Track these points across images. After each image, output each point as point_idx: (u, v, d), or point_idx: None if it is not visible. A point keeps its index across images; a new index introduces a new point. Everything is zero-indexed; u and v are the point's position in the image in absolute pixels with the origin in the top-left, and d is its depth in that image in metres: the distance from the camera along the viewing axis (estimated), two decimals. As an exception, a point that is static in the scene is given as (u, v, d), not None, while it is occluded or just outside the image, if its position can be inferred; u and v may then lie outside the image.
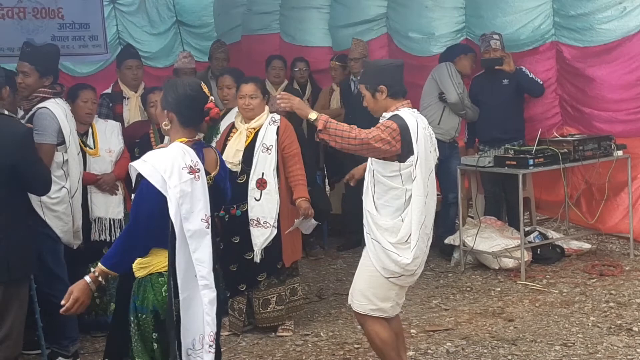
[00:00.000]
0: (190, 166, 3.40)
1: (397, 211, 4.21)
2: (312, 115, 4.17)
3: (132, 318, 3.55)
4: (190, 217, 3.37)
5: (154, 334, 3.48)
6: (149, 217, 3.41)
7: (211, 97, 3.59)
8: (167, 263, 3.40)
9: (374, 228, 4.25)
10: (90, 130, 5.71)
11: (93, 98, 5.73)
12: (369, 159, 4.32)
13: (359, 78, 7.64)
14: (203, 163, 3.48)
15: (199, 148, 3.52)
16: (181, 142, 3.49)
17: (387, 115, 4.27)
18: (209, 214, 3.44)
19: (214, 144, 3.92)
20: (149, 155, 3.49)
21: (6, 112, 4.47)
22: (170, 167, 3.36)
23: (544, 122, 7.17)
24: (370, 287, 4.31)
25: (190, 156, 3.43)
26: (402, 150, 4.15)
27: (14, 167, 4.21)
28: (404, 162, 4.16)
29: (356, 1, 8.44)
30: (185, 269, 3.36)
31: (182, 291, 3.35)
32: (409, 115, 4.22)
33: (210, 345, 3.39)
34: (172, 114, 3.53)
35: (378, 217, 4.24)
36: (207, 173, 3.51)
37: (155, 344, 3.49)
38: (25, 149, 4.30)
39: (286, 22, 9.23)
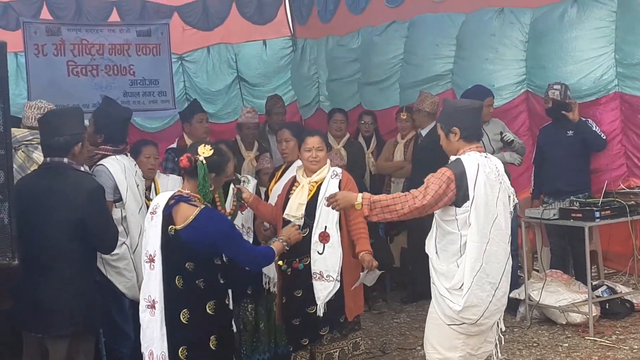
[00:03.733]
0: (154, 208, 4.16)
1: (453, 256, 4.21)
2: (357, 202, 4.30)
3: None
4: (144, 248, 4.18)
5: None
6: None
7: (193, 156, 4.11)
8: None
9: (433, 272, 4.28)
10: (152, 185, 5.83)
11: (155, 153, 5.88)
12: None
13: (422, 132, 7.66)
14: (168, 212, 4.08)
15: (176, 200, 4.11)
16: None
17: (452, 158, 4.30)
18: (151, 253, 4.09)
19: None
20: None
21: (82, 169, 4.61)
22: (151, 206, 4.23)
23: (609, 174, 7.07)
24: (435, 336, 4.30)
25: (160, 202, 4.16)
26: (458, 195, 4.16)
27: (82, 222, 4.32)
28: (459, 207, 4.17)
29: (425, 59, 8.56)
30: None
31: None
32: (472, 159, 4.22)
33: None
34: None
35: (436, 261, 4.27)
36: (171, 222, 4.06)
37: None
38: (94, 205, 4.41)
39: (365, 91, 9.48)
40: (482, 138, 4.45)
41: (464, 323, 4.22)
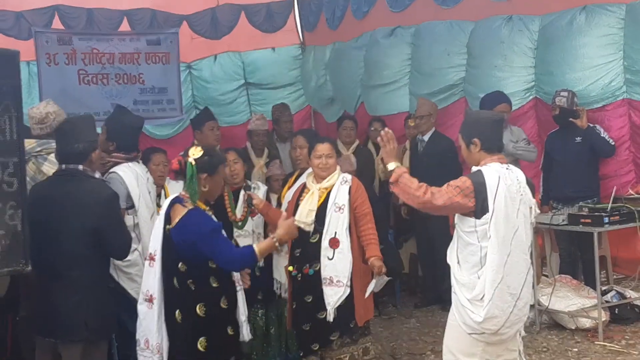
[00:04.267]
0: (162, 209, 4.36)
1: (474, 267, 4.22)
2: (391, 165, 4.34)
3: None
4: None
5: None
6: None
7: (183, 158, 4.30)
8: None
9: (454, 282, 4.30)
10: (162, 192, 5.88)
11: (164, 161, 5.92)
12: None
13: (425, 138, 7.73)
14: (167, 212, 4.28)
15: (174, 201, 4.31)
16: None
17: (474, 169, 4.32)
18: (152, 251, 4.28)
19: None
20: None
21: (97, 176, 4.67)
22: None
23: (617, 180, 7.06)
24: (455, 343, 4.31)
25: (165, 203, 4.37)
26: (477, 206, 4.17)
27: (97, 229, 4.38)
28: (479, 218, 4.18)
29: (436, 70, 8.55)
30: None
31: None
32: (492, 171, 4.23)
33: (152, 352, 4.23)
34: None
35: (457, 272, 4.28)
36: (168, 222, 4.24)
37: None
38: (110, 211, 4.48)
39: (369, 95, 9.41)
40: (502, 149, 4.43)
41: (484, 333, 4.23)
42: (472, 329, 4.23)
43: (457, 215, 4.32)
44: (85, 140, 4.52)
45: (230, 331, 4.34)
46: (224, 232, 4.33)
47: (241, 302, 4.45)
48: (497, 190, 4.16)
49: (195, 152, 4.25)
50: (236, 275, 4.42)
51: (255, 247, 4.28)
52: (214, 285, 4.26)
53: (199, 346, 4.17)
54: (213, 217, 4.40)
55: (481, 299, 4.17)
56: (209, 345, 4.19)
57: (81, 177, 4.48)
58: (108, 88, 8.99)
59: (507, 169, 4.30)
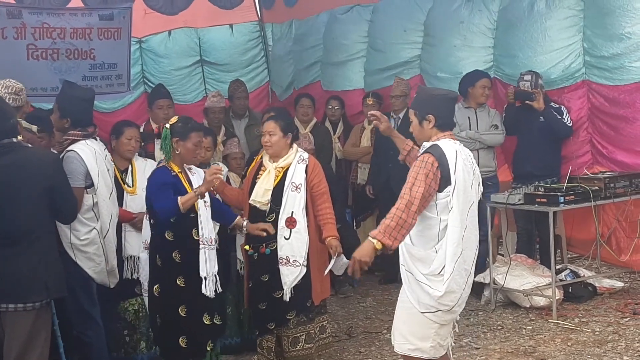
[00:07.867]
0: None
1: (430, 241, 4.15)
2: (376, 244, 4.03)
3: None
4: None
5: None
6: None
7: (163, 124, 5.07)
8: None
9: (408, 258, 4.20)
10: (130, 168, 5.78)
11: (137, 136, 5.83)
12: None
13: (400, 115, 7.71)
14: None
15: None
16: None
17: (426, 145, 4.25)
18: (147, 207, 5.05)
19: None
20: None
21: (30, 145, 4.67)
22: None
23: (575, 161, 7.10)
24: (407, 325, 4.23)
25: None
26: (441, 179, 4.11)
27: (51, 187, 4.43)
28: (441, 191, 4.12)
29: (390, 45, 8.50)
30: None
31: None
32: (449, 145, 4.19)
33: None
34: None
35: (411, 247, 4.19)
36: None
37: None
38: (57, 171, 4.58)
39: (326, 71, 9.36)
40: (453, 127, 4.41)
41: (439, 310, 4.15)
42: (427, 307, 4.14)
43: None
44: (15, 115, 4.56)
45: (180, 282, 4.90)
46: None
47: (203, 260, 4.94)
48: (455, 162, 4.13)
49: (172, 120, 5.04)
50: (203, 234, 4.94)
51: (179, 199, 4.88)
52: (169, 238, 4.89)
53: (154, 292, 4.91)
54: (180, 179, 4.97)
55: (439, 273, 4.10)
56: (161, 291, 4.89)
57: (20, 147, 4.47)
58: (57, 63, 8.75)
59: (459, 144, 4.29)
